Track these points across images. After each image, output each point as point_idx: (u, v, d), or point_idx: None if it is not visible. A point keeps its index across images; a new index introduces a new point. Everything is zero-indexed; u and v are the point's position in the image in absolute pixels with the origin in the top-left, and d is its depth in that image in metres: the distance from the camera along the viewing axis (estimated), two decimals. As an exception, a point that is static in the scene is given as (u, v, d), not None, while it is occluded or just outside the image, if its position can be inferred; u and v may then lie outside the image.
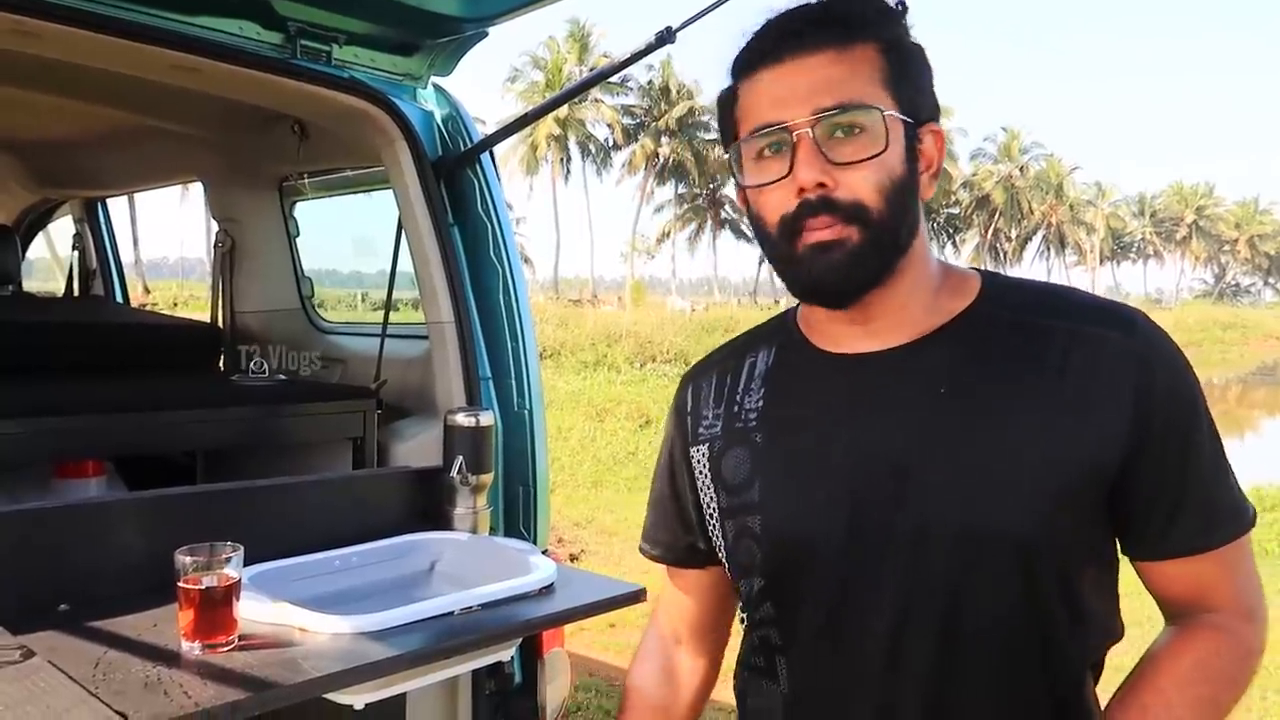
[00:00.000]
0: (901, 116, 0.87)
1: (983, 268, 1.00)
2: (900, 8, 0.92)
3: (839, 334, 0.95)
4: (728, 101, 0.94)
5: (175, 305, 19.91)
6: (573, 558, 6.01)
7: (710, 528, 1.03)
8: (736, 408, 1.00)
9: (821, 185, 0.85)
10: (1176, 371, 0.87)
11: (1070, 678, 0.91)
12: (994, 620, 0.87)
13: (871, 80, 0.87)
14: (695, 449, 1.03)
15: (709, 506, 1.02)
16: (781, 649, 0.96)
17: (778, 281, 1.05)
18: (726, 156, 0.96)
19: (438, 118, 2.17)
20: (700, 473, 1.02)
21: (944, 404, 0.88)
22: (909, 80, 0.89)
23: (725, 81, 0.95)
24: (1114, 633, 0.94)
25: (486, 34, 2.12)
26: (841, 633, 0.91)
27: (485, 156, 2.14)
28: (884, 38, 0.89)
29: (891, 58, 0.88)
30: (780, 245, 0.89)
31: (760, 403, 0.99)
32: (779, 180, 0.88)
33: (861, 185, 0.86)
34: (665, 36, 1.70)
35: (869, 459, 0.89)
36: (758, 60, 0.90)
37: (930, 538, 0.86)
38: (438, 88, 2.23)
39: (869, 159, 0.86)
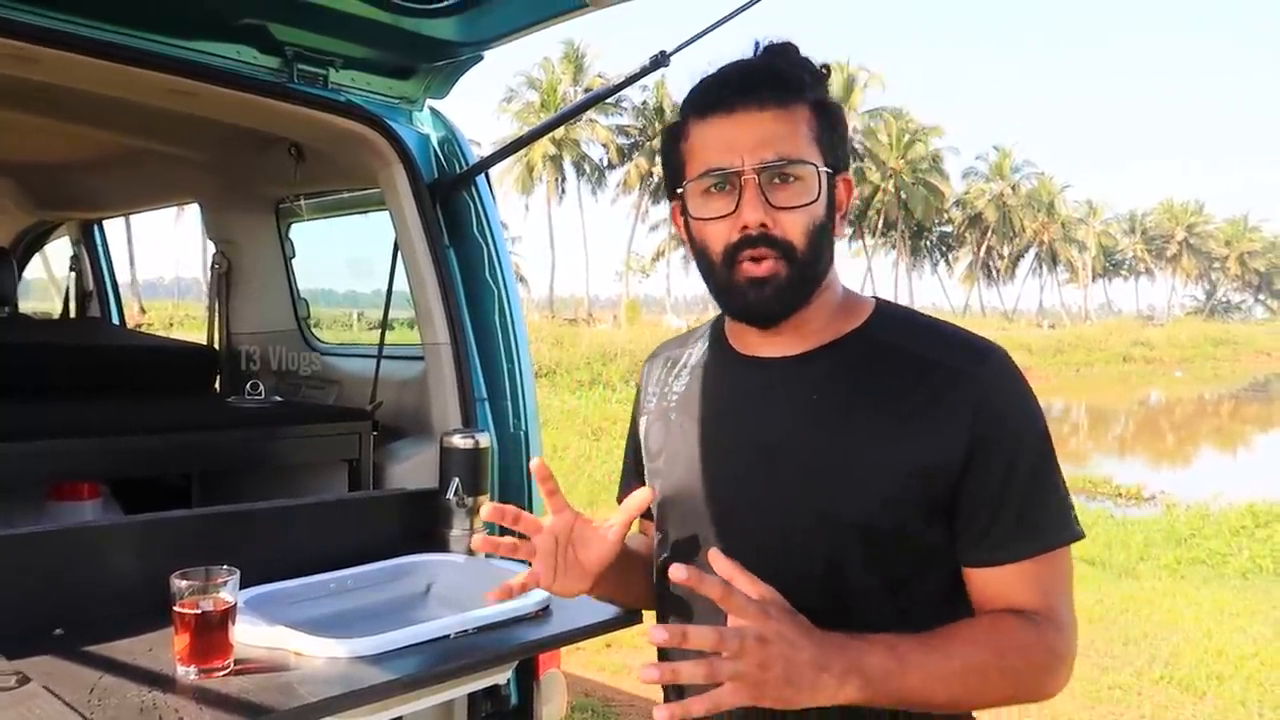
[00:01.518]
0: (826, 169, 1.02)
1: (879, 296, 1.14)
2: (825, 71, 1.07)
3: (750, 340, 1.11)
4: (677, 135, 1.07)
5: (171, 325, 19.85)
6: (568, 577, 5.98)
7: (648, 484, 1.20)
8: (667, 389, 1.19)
9: (763, 224, 1.00)
10: (1012, 403, 1.01)
11: None
12: (831, 589, 1.00)
13: (806, 138, 1.02)
14: (641, 419, 1.23)
15: (645, 467, 1.21)
16: (662, 593, 1.16)
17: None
18: (679, 189, 1.07)
19: (433, 140, 2.18)
20: (641, 438, 1.22)
21: (813, 407, 1.04)
22: (832, 136, 1.04)
23: (676, 116, 1.09)
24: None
25: (482, 57, 2.14)
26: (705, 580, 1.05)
27: (481, 178, 2.15)
28: (814, 99, 1.03)
29: (820, 117, 1.03)
30: (720, 272, 1.04)
31: (682, 388, 1.17)
32: (725, 216, 1.02)
33: (793, 227, 1.01)
34: (660, 60, 1.72)
35: (748, 445, 1.06)
36: (711, 107, 1.03)
37: (785, 514, 1.02)
38: (433, 110, 2.25)
39: (802, 205, 1.01)
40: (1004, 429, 0.99)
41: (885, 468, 0.99)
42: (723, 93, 1.03)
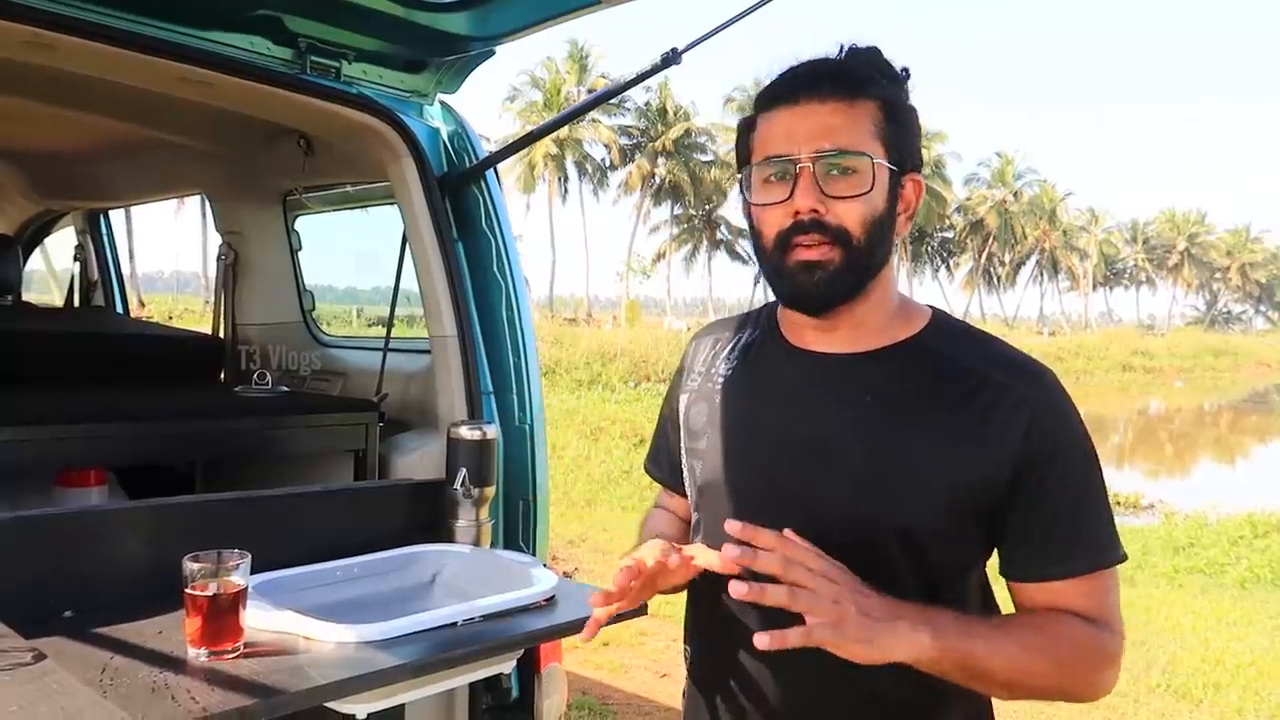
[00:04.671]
0: (888, 165, 1.03)
1: (934, 306, 1.14)
2: (904, 74, 1.08)
3: (805, 333, 1.12)
4: (747, 128, 1.10)
5: (171, 318, 19.85)
6: (566, 575, 5.99)
7: (681, 461, 1.22)
8: (713, 370, 1.19)
9: (815, 211, 1.02)
10: (1063, 424, 1.02)
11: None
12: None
13: (868, 132, 1.03)
14: (681, 396, 1.24)
15: (681, 445, 1.22)
16: (700, 577, 1.13)
17: (769, 299, 1.21)
18: (739, 176, 1.11)
19: (444, 134, 2.19)
20: (680, 416, 1.22)
21: (867, 409, 1.05)
22: (900, 135, 1.05)
23: (748, 111, 1.11)
24: None
25: (493, 52, 2.15)
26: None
27: (490, 173, 2.16)
28: (884, 98, 1.05)
29: (888, 115, 1.04)
30: (774, 256, 1.05)
31: (729, 371, 1.17)
32: (780, 202, 1.04)
33: (847, 215, 1.02)
34: (671, 58, 1.73)
35: (794, 438, 1.07)
36: (778, 99, 1.06)
37: (825, 511, 1.03)
38: (444, 104, 2.26)
39: (857, 196, 1.02)
40: (1057, 449, 1.01)
41: (934, 478, 1.00)
42: (789, 86, 1.05)
